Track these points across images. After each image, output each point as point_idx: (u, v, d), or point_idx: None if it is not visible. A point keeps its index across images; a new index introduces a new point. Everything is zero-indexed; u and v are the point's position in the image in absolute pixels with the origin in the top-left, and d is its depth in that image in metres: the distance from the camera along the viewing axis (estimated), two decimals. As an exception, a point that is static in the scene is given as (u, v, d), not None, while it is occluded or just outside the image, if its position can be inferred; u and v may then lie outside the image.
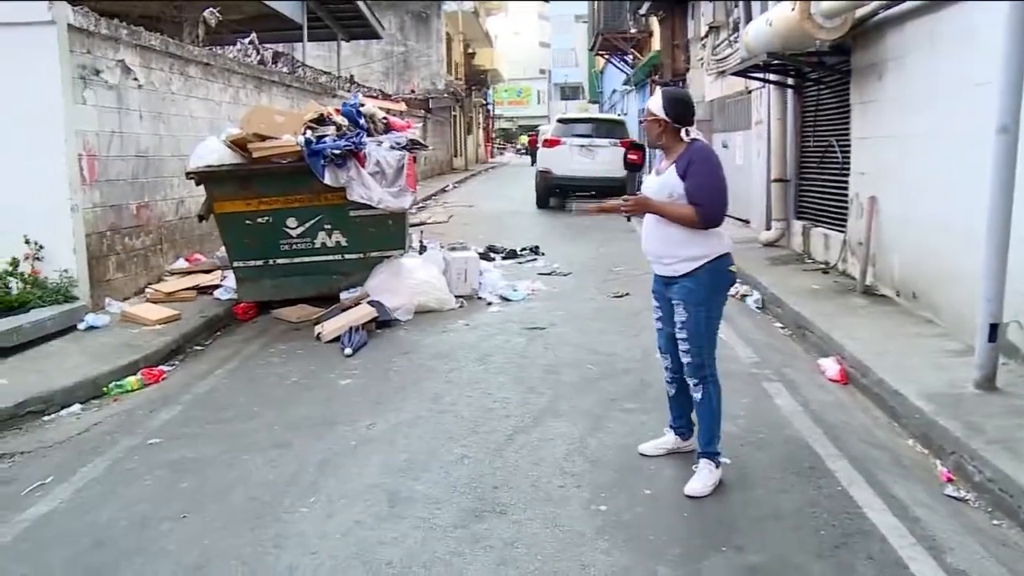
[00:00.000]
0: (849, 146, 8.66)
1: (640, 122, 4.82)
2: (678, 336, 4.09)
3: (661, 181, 4.04)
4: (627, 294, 8.78)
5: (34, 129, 7.14)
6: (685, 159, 3.99)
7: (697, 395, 4.12)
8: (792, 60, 9.20)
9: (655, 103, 4.07)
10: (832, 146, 9.34)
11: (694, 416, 4.32)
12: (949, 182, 6.32)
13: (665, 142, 4.07)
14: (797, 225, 10.58)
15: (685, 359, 4.09)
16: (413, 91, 31.06)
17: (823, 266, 9.27)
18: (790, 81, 10.50)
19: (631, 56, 29.83)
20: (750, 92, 12.62)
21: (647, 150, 4.43)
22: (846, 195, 8.73)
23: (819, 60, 9.12)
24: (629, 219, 4.29)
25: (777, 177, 10.83)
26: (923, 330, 6.36)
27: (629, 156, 4.16)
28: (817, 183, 10.05)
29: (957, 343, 5.90)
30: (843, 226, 8.87)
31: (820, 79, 9.65)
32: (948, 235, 6.31)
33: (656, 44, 23.37)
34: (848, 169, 8.69)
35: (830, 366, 5.89)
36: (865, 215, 7.94)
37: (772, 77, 10.58)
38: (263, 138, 7.68)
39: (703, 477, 4.05)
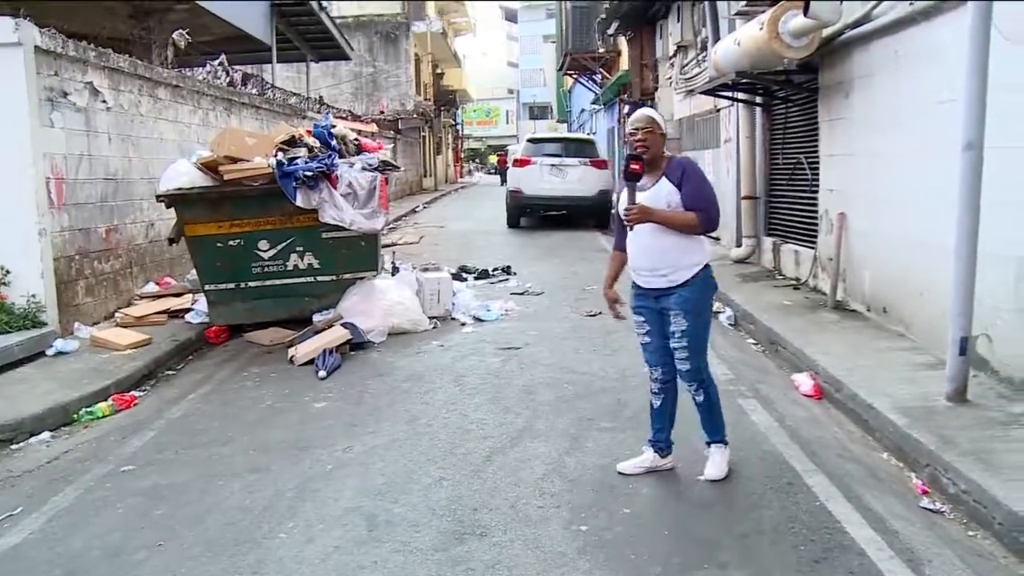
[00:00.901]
0: (818, 163, 8.78)
1: (633, 134, 4.66)
2: (676, 346, 4.23)
3: (654, 193, 4.15)
4: (600, 313, 8.76)
5: (0, 152, 7.05)
6: (676, 170, 4.16)
7: (699, 398, 4.34)
8: (760, 79, 9.33)
9: (658, 116, 4.28)
10: (801, 163, 9.46)
11: (674, 436, 4.45)
12: (916, 198, 6.42)
13: (655, 155, 4.20)
14: (768, 242, 10.69)
15: (683, 367, 4.25)
16: (383, 112, 31.06)
17: (794, 282, 9.37)
18: (758, 99, 10.64)
19: (599, 75, 30.01)
20: (719, 110, 12.76)
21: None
22: (816, 212, 8.84)
23: (787, 79, 9.27)
24: (632, 228, 4.24)
25: (747, 195, 10.94)
26: (894, 344, 6.44)
27: (631, 166, 4.12)
28: (787, 200, 10.17)
29: (928, 356, 5.98)
30: (813, 242, 8.98)
31: (788, 97, 9.78)
32: (917, 250, 6.41)
33: (624, 63, 23.54)
34: (817, 186, 8.81)
35: (804, 381, 5.95)
36: (835, 231, 8.04)
37: (740, 96, 10.71)
38: (234, 160, 7.64)
39: (717, 461, 4.36)
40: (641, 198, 4.14)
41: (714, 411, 4.38)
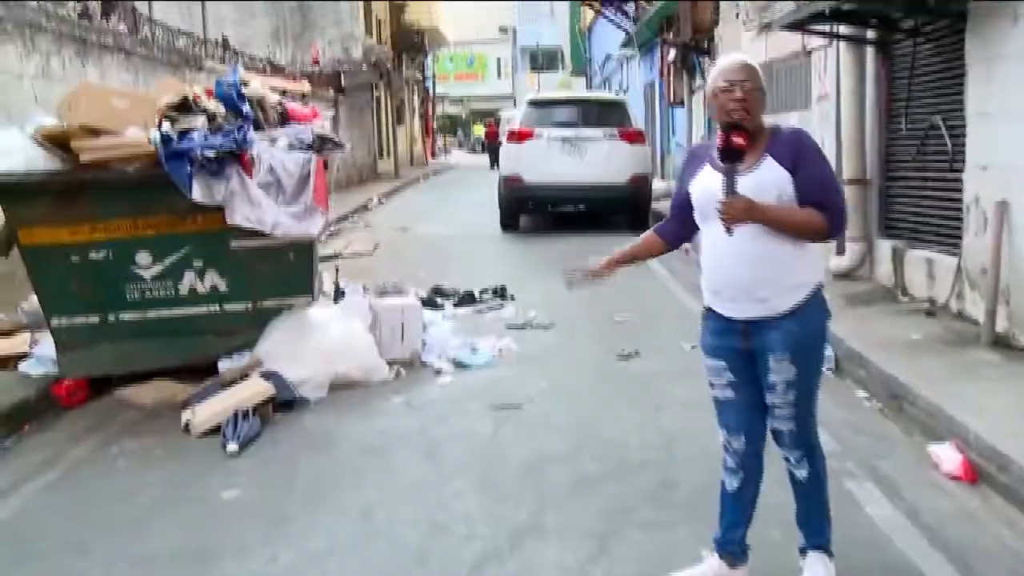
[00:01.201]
0: (964, 127, 8.77)
1: (727, 91, 4.13)
2: (777, 403, 4.20)
3: (756, 180, 4.03)
4: (636, 353, 8.80)
5: None
6: (787, 146, 4.08)
7: (802, 472, 4.30)
8: (877, 2, 9.25)
9: (754, 65, 4.16)
10: (937, 128, 9.44)
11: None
12: None
13: (756, 125, 4.10)
14: (884, 246, 10.68)
15: (786, 426, 4.23)
16: (317, 62, 31.14)
17: (926, 305, 9.34)
18: (871, 34, 10.62)
19: (633, 5, 30.15)
20: (809, 53, 12.79)
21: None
22: (959, 200, 8.83)
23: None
24: (731, 233, 4.14)
25: (852, 177, 10.93)
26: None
27: (734, 140, 3.97)
28: (914, 184, 10.16)
29: None
30: (956, 246, 8.97)
31: (918, 29, 9.74)
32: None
33: (670, -12, 23.70)
34: (962, 161, 8.80)
35: (947, 456, 5.88)
36: (991, 228, 8.03)
37: (844, 29, 10.72)
38: (96, 132, 7.59)
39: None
40: (739, 184, 4.03)
41: (819, 497, 4.33)
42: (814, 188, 4.01)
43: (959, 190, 8.85)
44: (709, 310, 4.31)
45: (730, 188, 3.96)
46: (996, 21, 8.15)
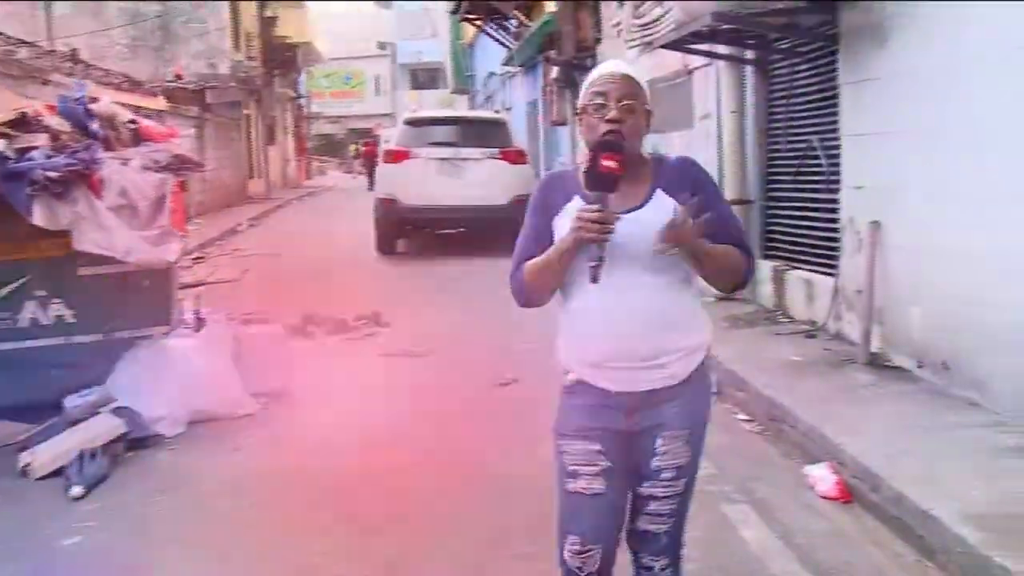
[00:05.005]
0: (839, 147, 8.96)
1: (600, 105, 3.30)
2: (658, 493, 3.53)
3: (649, 216, 3.32)
4: (514, 380, 8.86)
5: None
6: (680, 179, 3.47)
7: None
8: (752, 22, 9.46)
9: (634, 76, 3.52)
10: (813, 148, 9.65)
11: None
12: (995, 194, 6.54)
13: (634, 150, 3.43)
14: (765, 267, 10.82)
15: (663, 526, 3.58)
16: (180, 77, 30.78)
17: (807, 327, 9.54)
18: (750, 54, 10.83)
19: (515, 22, 30.31)
20: (691, 72, 12.98)
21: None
22: (836, 221, 9.02)
23: (791, 21, 9.39)
24: (596, 280, 3.16)
25: (734, 197, 11.08)
26: (963, 418, 6.54)
27: (604, 163, 3.20)
28: (793, 204, 10.37)
29: (1017, 436, 6.07)
30: (834, 267, 9.15)
31: (794, 49, 9.96)
32: (999, 275, 6.50)
33: (551, 4, 23.87)
34: (838, 182, 8.98)
35: (823, 477, 6.00)
36: (865, 249, 8.21)
37: (722, 49, 10.90)
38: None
39: None
40: (623, 226, 3.26)
41: None
42: (723, 227, 3.41)
43: (836, 211, 9.07)
44: (577, 385, 3.52)
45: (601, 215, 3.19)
46: (864, 45, 8.36)
